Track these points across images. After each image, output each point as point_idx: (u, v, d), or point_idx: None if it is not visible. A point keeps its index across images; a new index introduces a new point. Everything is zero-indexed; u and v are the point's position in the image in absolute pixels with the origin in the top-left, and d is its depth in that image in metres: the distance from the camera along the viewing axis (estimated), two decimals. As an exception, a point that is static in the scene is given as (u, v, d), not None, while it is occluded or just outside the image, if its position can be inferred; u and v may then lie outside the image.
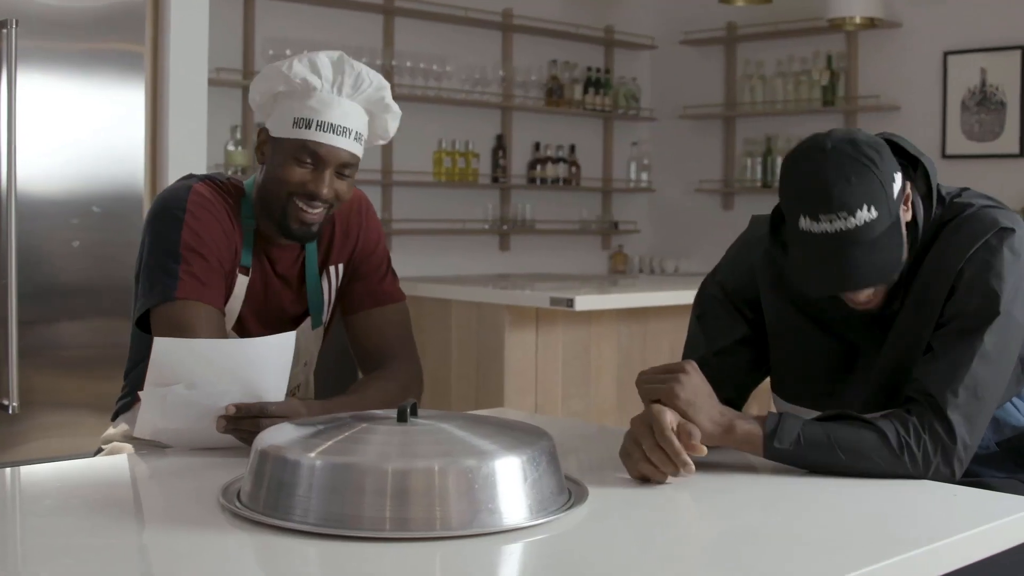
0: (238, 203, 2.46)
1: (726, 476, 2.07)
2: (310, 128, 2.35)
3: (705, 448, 2.00)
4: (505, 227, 7.70)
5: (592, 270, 8.18)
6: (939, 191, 2.27)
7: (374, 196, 7.06)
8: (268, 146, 2.42)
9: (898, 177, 2.15)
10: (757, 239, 2.47)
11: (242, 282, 2.44)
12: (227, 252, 2.39)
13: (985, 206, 2.24)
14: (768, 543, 1.73)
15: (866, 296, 2.19)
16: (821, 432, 2.05)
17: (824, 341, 2.35)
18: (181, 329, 2.26)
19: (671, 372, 2.09)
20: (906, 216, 2.19)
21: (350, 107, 2.38)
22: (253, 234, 2.46)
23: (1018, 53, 6.77)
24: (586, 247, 8.33)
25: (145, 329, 2.38)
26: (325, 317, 2.59)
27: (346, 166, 2.40)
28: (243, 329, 2.45)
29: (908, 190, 2.19)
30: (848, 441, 2.04)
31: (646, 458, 1.98)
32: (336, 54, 2.38)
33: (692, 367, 2.10)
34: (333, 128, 2.36)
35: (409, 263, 6.99)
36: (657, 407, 2.02)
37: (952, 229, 2.22)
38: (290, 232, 2.41)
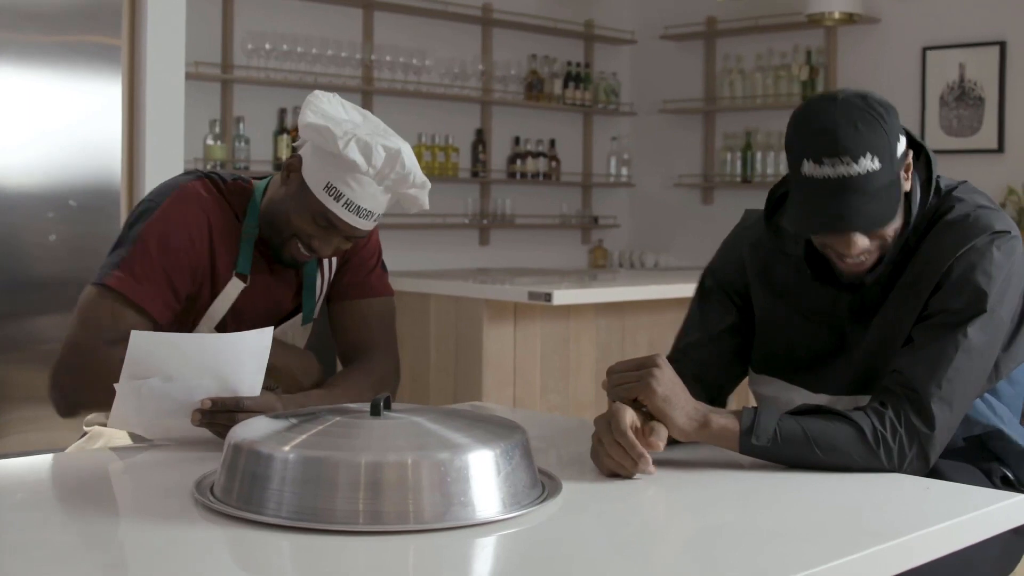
0: (240, 206, 2.46)
1: (699, 471, 2.07)
2: (338, 202, 2.34)
3: (662, 445, 2.01)
4: (485, 221, 7.70)
5: (572, 264, 8.18)
6: (938, 181, 2.30)
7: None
8: (296, 177, 2.39)
9: (903, 140, 2.17)
10: (747, 230, 2.49)
11: (236, 286, 2.44)
12: (187, 257, 2.37)
13: (981, 206, 2.26)
14: (740, 536, 1.74)
15: (859, 250, 2.18)
16: (797, 427, 2.05)
17: (810, 330, 2.36)
18: (93, 317, 2.29)
19: (644, 367, 2.07)
20: (905, 184, 2.21)
21: (383, 196, 2.38)
22: (253, 242, 2.46)
23: (996, 49, 6.79)
24: (566, 241, 8.33)
25: None
26: (317, 313, 2.59)
27: (348, 241, 2.43)
28: (226, 329, 2.44)
29: (910, 159, 2.21)
30: (824, 436, 2.05)
31: (608, 454, 1.99)
32: (395, 148, 2.34)
33: (663, 360, 2.08)
34: (359, 211, 2.36)
35: (389, 257, 6.91)
36: (617, 405, 2.04)
37: (946, 226, 2.23)
38: (281, 260, 2.45)
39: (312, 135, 2.33)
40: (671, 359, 2.45)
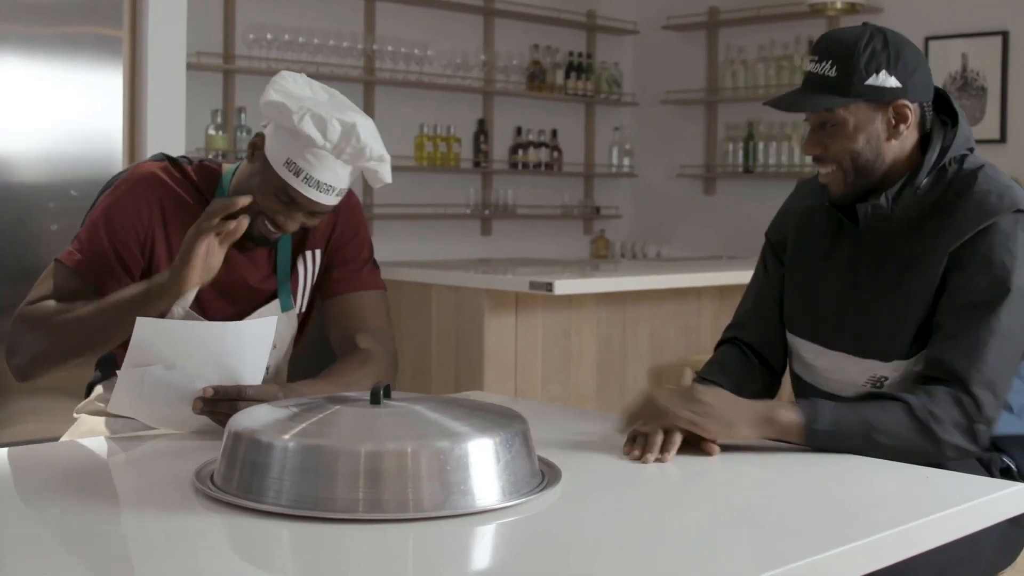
0: (208, 188, 2.48)
1: (699, 461, 2.07)
2: (298, 177, 2.34)
3: (717, 450, 2.11)
4: (487, 212, 7.70)
5: (574, 255, 8.18)
6: (964, 157, 2.36)
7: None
8: (260, 154, 2.40)
9: (890, 79, 2.28)
10: (802, 186, 2.63)
11: None
12: (132, 232, 2.42)
13: (1008, 185, 2.32)
14: (739, 526, 1.74)
15: (808, 143, 2.36)
16: (854, 415, 2.13)
17: (832, 280, 2.43)
18: (39, 283, 2.41)
19: (690, 405, 2.11)
20: (887, 121, 2.31)
21: (343, 170, 2.37)
22: None
23: (999, 39, 6.78)
24: (568, 232, 8.33)
25: None
26: (300, 301, 2.57)
27: (319, 214, 2.41)
28: (201, 305, 2.45)
29: (909, 110, 2.30)
30: (880, 419, 2.13)
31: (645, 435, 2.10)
32: (351, 122, 2.34)
33: (701, 391, 2.15)
34: (319, 185, 2.35)
35: (390, 248, 6.99)
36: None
37: (972, 193, 2.29)
38: (251, 238, 2.41)
39: (272, 112, 2.34)
40: (731, 329, 2.63)
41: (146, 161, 2.51)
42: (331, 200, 2.38)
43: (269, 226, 2.39)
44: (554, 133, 8.05)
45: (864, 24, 2.35)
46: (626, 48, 8.53)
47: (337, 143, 2.32)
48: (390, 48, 7.06)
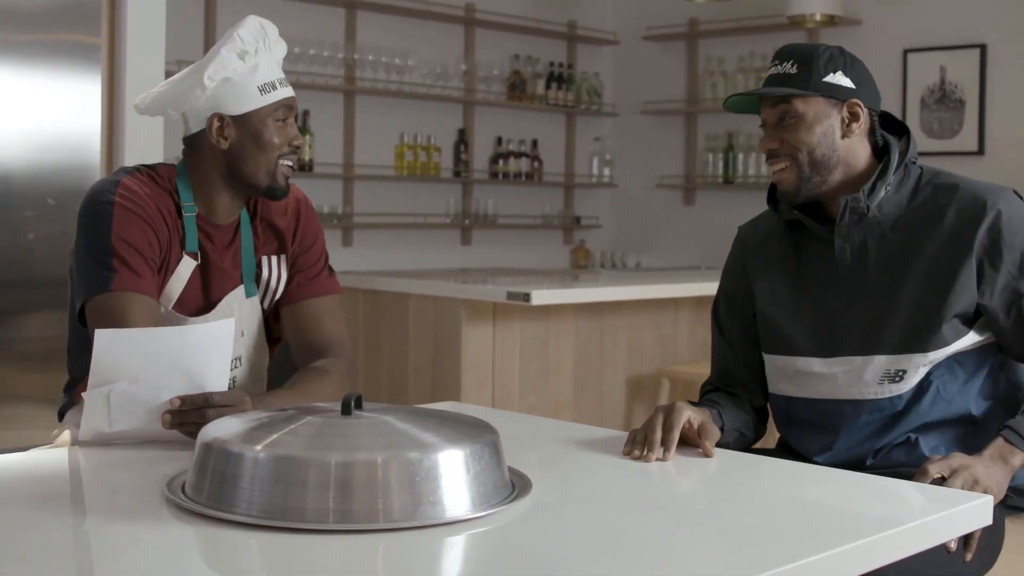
0: (173, 190, 2.51)
1: (670, 471, 2.08)
2: (276, 89, 2.49)
3: (713, 450, 2.19)
4: (467, 221, 7.70)
5: (554, 265, 8.19)
6: (922, 167, 2.53)
7: (335, 189, 7.06)
8: (231, 128, 2.49)
9: (845, 79, 2.45)
10: (745, 234, 2.71)
11: (188, 265, 2.48)
12: (155, 244, 2.43)
13: (976, 180, 2.49)
14: (709, 536, 1.75)
15: (765, 141, 2.49)
16: None
17: (812, 295, 2.52)
18: (118, 319, 2.30)
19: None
20: (841, 119, 2.46)
21: (275, 60, 2.54)
22: (195, 219, 2.51)
23: (977, 52, 6.82)
24: (548, 242, 8.34)
25: (85, 324, 2.42)
26: (269, 299, 2.60)
27: (295, 113, 2.57)
28: (184, 310, 2.47)
29: (860, 110, 2.46)
30: None
31: (644, 434, 2.16)
32: (252, 19, 2.52)
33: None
34: (285, 81, 2.53)
35: (370, 257, 6.99)
36: (681, 404, 2.22)
37: (944, 189, 2.46)
38: (279, 191, 2.53)
39: (216, 76, 2.46)
40: (707, 392, 2.67)
41: (109, 178, 2.50)
42: (291, 90, 2.55)
43: (288, 161, 2.52)
44: (534, 143, 8.06)
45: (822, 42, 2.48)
46: (606, 58, 8.55)
47: (247, 42, 2.48)
48: (371, 57, 7.07)
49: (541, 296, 4.57)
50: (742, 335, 2.65)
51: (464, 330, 4.66)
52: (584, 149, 8.46)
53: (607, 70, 8.55)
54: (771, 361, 2.58)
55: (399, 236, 7.37)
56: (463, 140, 7.66)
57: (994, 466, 2.25)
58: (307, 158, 6.77)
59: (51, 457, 2.19)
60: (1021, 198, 2.45)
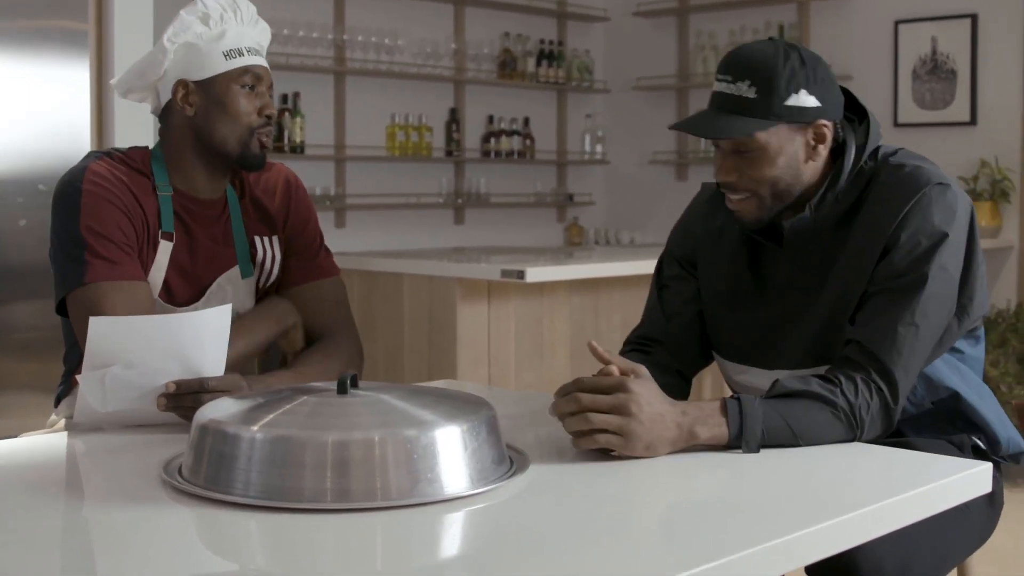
0: (147, 171, 2.48)
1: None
2: (243, 56, 2.47)
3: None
4: (460, 201, 7.69)
5: (548, 243, 8.18)
6: (878, 148, 2.31)
7: (327, 171, 7.04)
8: (196, 95, 2.47)
9: (809, 99, 2.20)
10: (704, 202, 2.50)
11: (165, 248, 2.44)
12: (129, 226, 2.39)
13: (917, 165, 2.27)
14: (706, 511, 1.75)
15: (721, 170, 2.26)
16: (782, 423, 2.02)
17: (759, 299, 2.37)
18: (97, 312, 2.23)
19: (617, 409, 1.94)
20: (805, 142, 2.23)
21: (250, 35, 2.52)
22: (171, 199, 2.47)
23: (968, 22, 6.80)
24: (541, 220, 8.33)
25: (66, 315, 2.41)
26: (263, 279, 2.57)
27: (270, 87, 2.53)
28: (171, 294, 2.45)
29: (827, 129, 2.23)
30: (807, 427, 2.04)
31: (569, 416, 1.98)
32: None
33: (636, 387, 1.96)
34: (256, 51, 2.51)
35: (363, 238, 6.98)
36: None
37: (884, 187, 2.25)
38: (254, 159, 2.49)
39: (178, 39, 2.46)
40: (640, 342, 2.48)
41: (79, 164, 2.45)
42: (263, 60, 2.53)
43: (261, 130, 2.48)
44: (526, 121, 8.04)
45: (771, 39, 2.26)
46: (597, 35, 8.53)
47: (234, 9, 2.49)
48: (360, 38, 7.05)
49: (535, 273, 4.57)
50: (680, 298, 2.49)
51: (459, 309, 4.66)
52: (576, 126, 8.44)
53: (598, 47, 8.52)
54: (716, 356, 2.50)
55: (392, 217, 7.36)
56: (454, 119, 7.64)
57: (673, 429, 1.98)
58: (298, 140, 6.76)
59: (46, 442, 2.18)
60: (951, 192, 2.23)
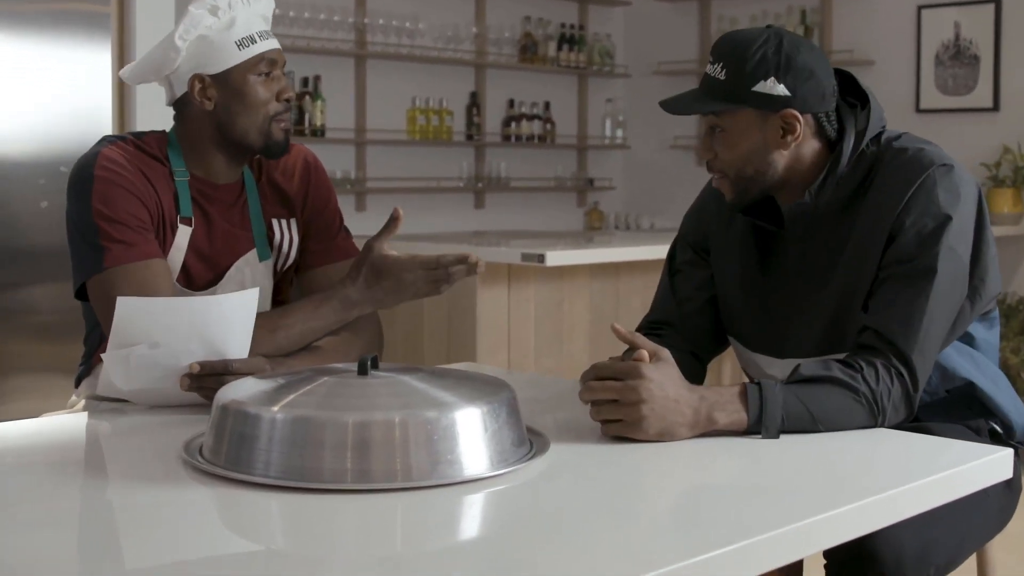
0: (162, 157, 2.47)
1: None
2: (256, 43, 2.44)
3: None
4: (480, 185, 7.69)
5: (568, 227, 8.18)
6: (881, 133, 2.30)
7: (348, 154, 7.05)
8: (213, 88, 2.45)
9: (778, 87, 2.19)
10: (716, 187, 2.49)
11: (184, 232, 2.43)
12: (143, 210, 2.37)
13: (920, 148, 2.26)
14: (725, 494, 1.75)
15: (701, 148, 2.32)
16: (802, 408, 2.01)
17: (768, 287, 2.37)
18: (118, 295, 2.21)
19: (627, 394, 1.94)
20: (774, 130, 2.23)
21: (257, 14, 2.49)
22: (187, 184, 2.47)
23: (991, 7, 6.77)
24: (562, 204, 8.32)
25: (85, 299, 2.41)
26: (281, 262, 2.57)
27: (284, 65, 2.52)
28: (190, 277, 2.45)
29: (797, 121, 2.22)
30: (827, 413, 2.03)
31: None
32: None
33: (649, 372, 1.95)
34: (267, 34, 2.48)
35: (383, 222, 6.96)
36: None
37: (887, 171, 2.24)
38: (277, 147, 2.48)
39: (188, 36, 2.42)
40: (654, 326, 2.48)
41: (92, 149, 2.44)
42: (278, 43, 2.51)
43: (281, 116, 2.47)
44: (547, 105, 8.03)
45: (768, 26, 2.27)
46: (618, 19, 8.51)
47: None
48: (381, 22, 7.05)
49: (555, 257, 4.57)
50: (693, 283, 2.49)
51: (479, 293, 4.66)
52: (596, 111, 8.43)
53: (618, 31, 8.51)
54: (731, 341, 2.49)
55: (412, 200, 7.37)
56: (475, 103, 7.64)
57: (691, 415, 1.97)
58: (319, 123, 6.76)
59: (67, 423, 2.19)
60: (955, 173, 2.22)
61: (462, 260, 2.34)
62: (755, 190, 2.28)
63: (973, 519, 2.20)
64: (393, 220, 2.40)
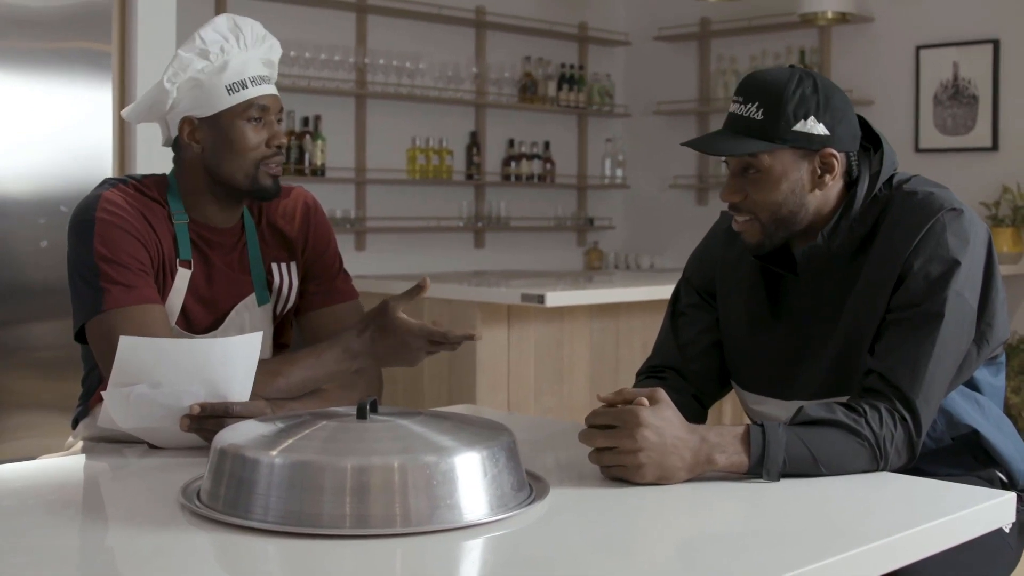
0: (163, 200, 2.47)
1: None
2: (247, 88, 2.42)
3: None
4: (480, 224, 7.70)
5: (568, 267, 8.18)
6: (893, 176, 2.30)
7: (348, 194, 7.05)
8: (202, 131, 2.45)
9: (818, 126, 2.19)
10: (723, 231, 2.49)
11: (184, 275, 2.43)
12: (143, 253, 2.38)
13: (930, 192, 2.25)
14: (724, 539, 1.74)
15: (725, 192, 2.26)
16: (805, 451, 2.01)
17: (777, 329, 2.36)
18: (116, 337, 2.20)
19: (625, 430, 1.94)
20: (812, 170, 2.22)
21: (256, 58, 2.47)
22: (187, 227, 2.47)
23: (990, 47, 6.80)
24: (561, 244, 8.33)
25: (84, 342, 2.41)
26: (281, 307, 2.57)
27: (280, 111, 2.50)
28: (189, 321, 2.45)
29: (835, 159, 2.22)
30: (830, 456, 2.03)
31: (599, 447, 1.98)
32: (221, 18, 2.48)
33: (647, 418, 1.94)
34: (262, 79, 2.46)
35: (383, 261, 6.99)
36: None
37: (898, 214, 2.23)
38: (265, 191, 2.47)
39: (178, 79, 2.41)
40: (656, 371, 2.46)
41: (93, 192, 2.44)
42: (272, 88, 2.49)
43: (270, 162, 2.45)
44: (546, 145, 8.05)
45: (792, 67, 2.26)
46: (618, 59, 8.54)
47: (237, 36, 2.44)
48: (382, 61, 7.07)
49: (555, 298, 4.57)
50: (697, 327, 2.47)
51: (479, 333, 4.65)
52: (596, 150, 8.44)
53: (618, 71, 8.53)
54: (735, 387, 2.48)
55: (412, 240, 7.37)
56: (475, 143, 7.66)
57: (690, 458, 1.96)
58: (319, 163, 6.78)
59: (65, 465, 2.19)
60: (964, 218, 2.21)
61: (468, 337, 2.33)
62: (783, 233, 2.27)
63: (982, 567, 2.19)
64: (419, 288, 2.39)
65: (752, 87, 2.22)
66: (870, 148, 2.31)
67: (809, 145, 2.20)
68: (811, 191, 2.23)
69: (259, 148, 2.44)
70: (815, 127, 2.19)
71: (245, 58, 2.44)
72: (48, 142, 4.07)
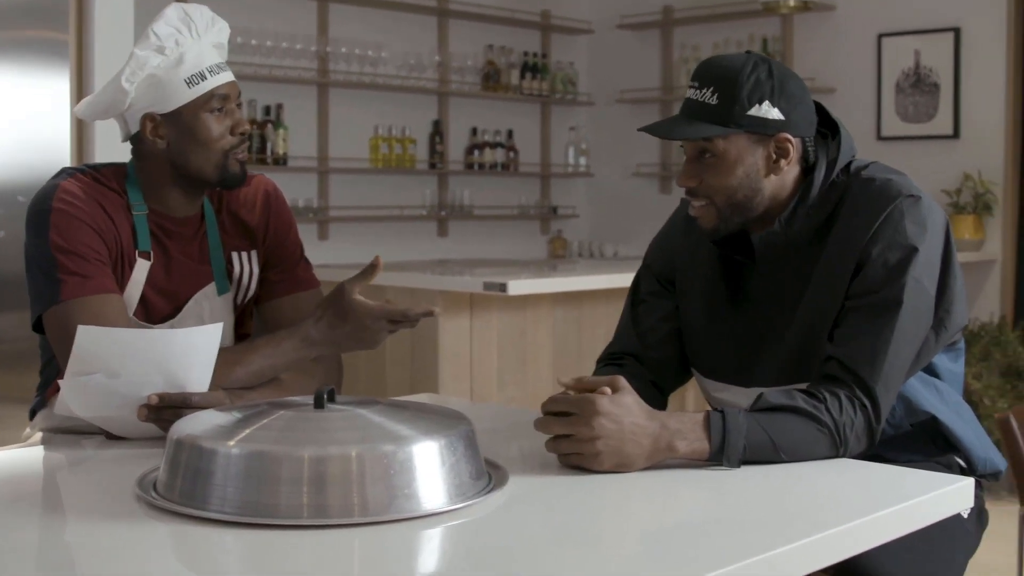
0: (121, 190, 2.45)
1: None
2: (206, 79, 2.40)
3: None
4: (443, 213, 7.68)
5: (531, 255, 8.17)
6: (851, 162, 2.30)
7: (310, 183, 7.02)
8: (165, 127, 2.42)
9: (772, 111, 2.20)
10: (683, 219, 2.48)
11: (143, 266, 2.42)
12: (100, 243, 2.36)
13: (888, 178, 2.25)
14: (684, 527, 1.75)
15: (681, 177, 2.28)
16: (765, 437, 2.01)
17: (736, 316, 2.36)
18: (73, 328, 2.18)
19: (583, 426, 1.94)
20: (767, 155, 2.23)
21: (208, 45, 2.46)
22: (146, 218, 2.45)
23: (951, 35, 6.82)
24: (525, 232, 8.32)
25: (42, 333, 2.39)
26: (241, 296, 2.55)
27: (238, 96, 2.48)
28: (148, 311, 2.43)
29: (790, 144, 2.22)
30: (790, 442, 2.03)
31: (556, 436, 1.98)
32: (170, 9, 2.44)
33: (604, 406, 1.94)
34: (219, 68, 2.44)
35: (346, 250, 6.96)
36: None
37: (856, 201, 2.24)
38: (234, 179, 2.46)
39: (136, 78, 2.38)
40: (616, 357, 2.46)
41: (51, 181, 2.42)
42: (230, 75, 2.47)
43: (236, 154, 2.44)
44: (510, 133, 8.04)
45: (748, 52, 2.27)
46: (581, 48, 8.53)
47: (190, 27, 2.42)
48: (343, 50, 7.04)
49: (518, 286, 4.56)
50: (656, 314, 2.48)
51: (441, 322, 4.65)
52: (560, 139, 8.44)
53: (582, 59, 8.53)
54: (695, 374, 2.48)
55: (375, 229, 7.35)
56: (438, 132, 7.64)
57: (650, 446, 1.96)
58: (281, 152, 6.74)
59: (22, 457, 2.16)
60: (922, 204, 2.21)
61: (428, 314, 2.32)
62: (739, 218, 2.27)
63: (942, 550, 2.20)
64: (372, 268, 2.37)
65: (707, 72, 2.23)
66: (828, 134, 2.32)
67: (764, 130, 2.20)
68: (766, 176, 2.24)
69: (225, 138, 2.43)
70: (770, 112, 2.20)
71: (199, 48, 2.42)
72: (5, 132, 4.04)
